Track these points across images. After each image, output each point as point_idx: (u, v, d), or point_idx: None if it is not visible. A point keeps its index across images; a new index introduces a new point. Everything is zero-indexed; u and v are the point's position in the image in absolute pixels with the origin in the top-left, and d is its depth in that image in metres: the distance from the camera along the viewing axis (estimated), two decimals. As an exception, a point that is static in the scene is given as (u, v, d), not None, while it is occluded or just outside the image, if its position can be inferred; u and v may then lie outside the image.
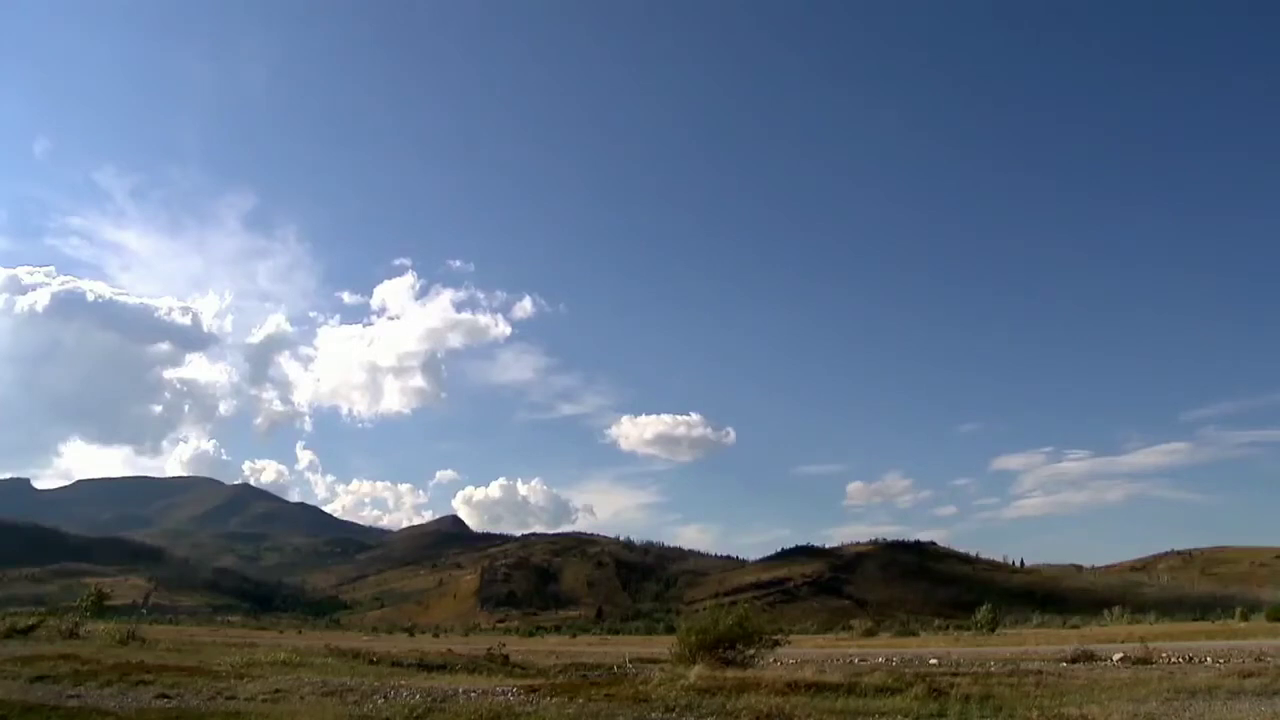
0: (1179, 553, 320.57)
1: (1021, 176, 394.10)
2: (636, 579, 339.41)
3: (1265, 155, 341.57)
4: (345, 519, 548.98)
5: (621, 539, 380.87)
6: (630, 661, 40.15)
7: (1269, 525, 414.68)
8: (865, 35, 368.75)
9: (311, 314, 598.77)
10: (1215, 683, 21.89)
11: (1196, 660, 30.71)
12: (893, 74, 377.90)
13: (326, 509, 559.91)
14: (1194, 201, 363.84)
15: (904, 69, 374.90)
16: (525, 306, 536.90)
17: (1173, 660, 31.29)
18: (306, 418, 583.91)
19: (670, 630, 61.32)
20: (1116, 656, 33.09)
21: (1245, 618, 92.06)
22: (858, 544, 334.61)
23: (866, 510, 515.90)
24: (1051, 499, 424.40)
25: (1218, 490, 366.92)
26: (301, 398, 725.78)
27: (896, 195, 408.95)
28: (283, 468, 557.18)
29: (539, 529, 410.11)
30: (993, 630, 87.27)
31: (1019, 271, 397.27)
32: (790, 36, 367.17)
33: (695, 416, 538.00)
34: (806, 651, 49.07)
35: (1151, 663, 30.43)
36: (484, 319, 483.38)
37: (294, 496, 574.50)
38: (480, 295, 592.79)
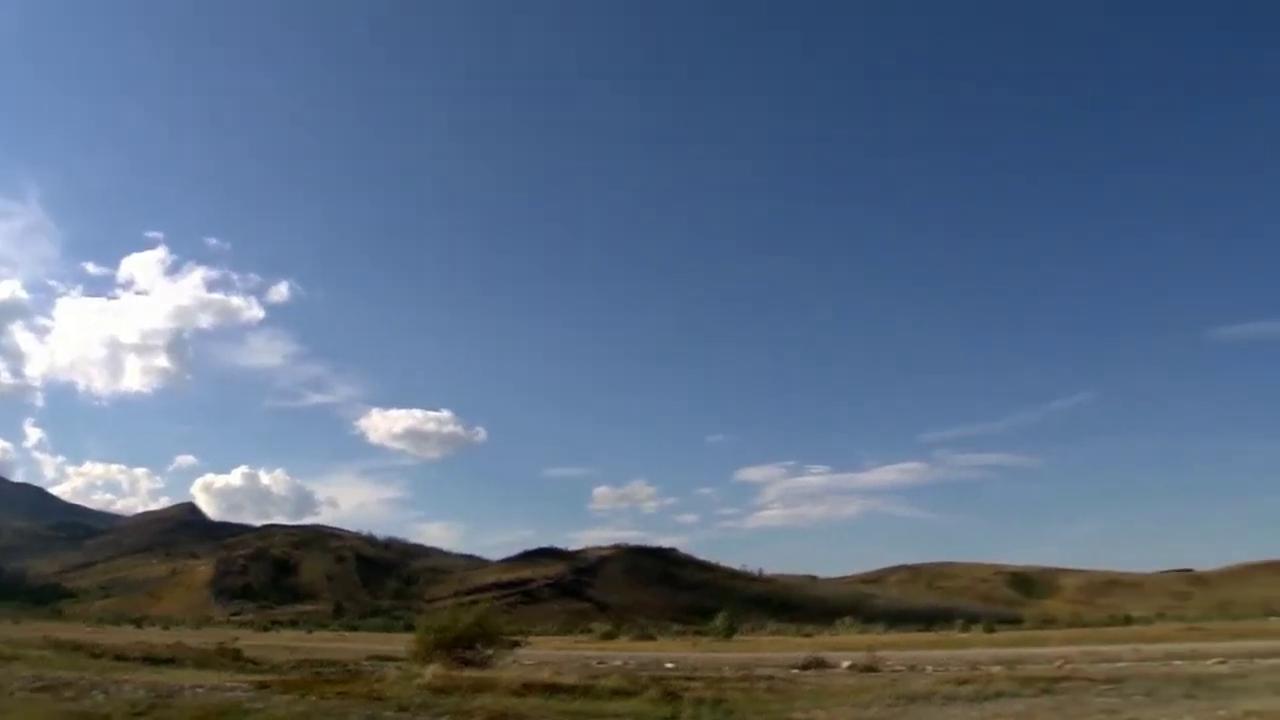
0: (908, 567, 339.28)
1: (786, 181, 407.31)
2: (378, 575, 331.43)
3: (1017, 173, 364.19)
4: (74, 502, 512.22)
5: (364, 534, 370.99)
6: (367, 659, 39.03)
7: (991, 543, 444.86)
8: (631, 35, 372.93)
9: (51, 283, 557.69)
10: (933, 689, 22.85)
11: (918, 668, 32.16)
12: (658, 75, 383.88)
13: (53, 491, 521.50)
14: (919, 238, 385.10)
15: (669, 71, 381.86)
16: (281, 291, 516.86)
17: (897, 668, 32.65)
18: (38, 393, 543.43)
19: (410, 628, 59.97)
20: (845, 664, 34.34)
21: (965, 629, 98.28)
22: (601, 548, 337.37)
23: (612, 515, 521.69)
24: (791, 511, 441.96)
25: (946, 509, 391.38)
26: (34, 371, 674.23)
27: (656, 200, 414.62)
28: (7, 445, 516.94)
29: (280, 520, 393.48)
30: (730, 636, 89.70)
31: (777, 286, 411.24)
32: (556, 35, 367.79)
33: (446, 413, 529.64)
34: (545, 653, 48.90)
35: (877, 670, 31.67)
36: (237, 300, 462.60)
37: (17, 476, 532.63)
38: (235, 276, 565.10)
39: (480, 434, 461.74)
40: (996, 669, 29.51)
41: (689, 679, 27.65)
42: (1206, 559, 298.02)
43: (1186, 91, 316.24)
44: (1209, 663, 28.91)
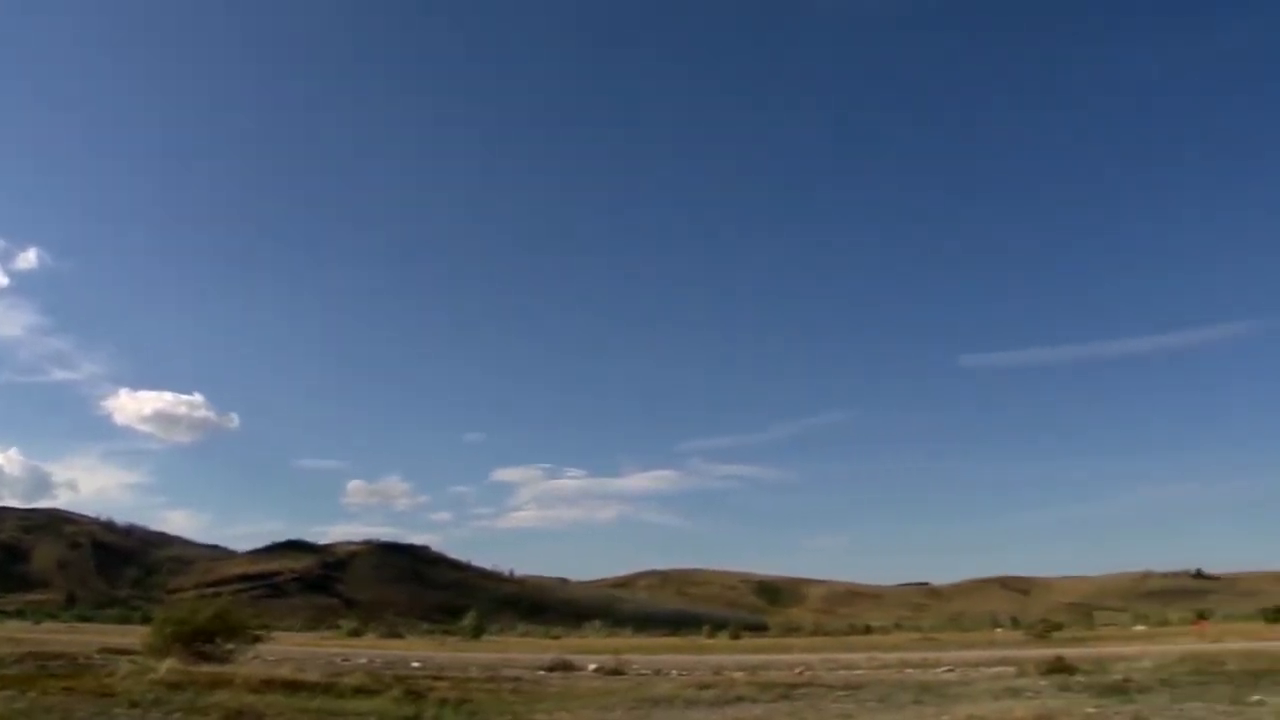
0: (658, 572, 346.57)
1: (558, 179, 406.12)
2: (116, 563, 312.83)
3: (797, 187, 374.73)
4: None
5: (103, 519, 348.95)
6: (99, 652, 36.35)
7: (740, 552, 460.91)
8: (409, 20, 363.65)
9: None
10: (676, 693, 22.98)
11: (663, 672, 32.37)
12: (437, 66, 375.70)
13: None
14: (691, 245, 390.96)
15: (448, 62, 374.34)
16: (29, 258, 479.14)
17: (642, 672, 32.79)
18: None
19: (148, 620, 56.49)
20: (591, 666, 34.28)
21: (711, 635, 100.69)
22: (352, 543, 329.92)
23: (364, 510, 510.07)
24: (546, 513, 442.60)
25: (699, 517, 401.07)
26: None
27: (428, 192, 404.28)
28: None
29: (12, 503, 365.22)
30: (478, 636, 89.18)
31: (542, 286, 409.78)
32: (327, 18, 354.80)
33: (198, 397, 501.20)
34: (289, 649, 47.08)
35: (623, 673, 31.73)
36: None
37: None
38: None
39: (233, 420, 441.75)
40: (739, 674, 30.06)
41: (435, 679, 27.04)
42: (942, 574, 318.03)
43: (949, 125, 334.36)
44: (938, 670, 30.33)
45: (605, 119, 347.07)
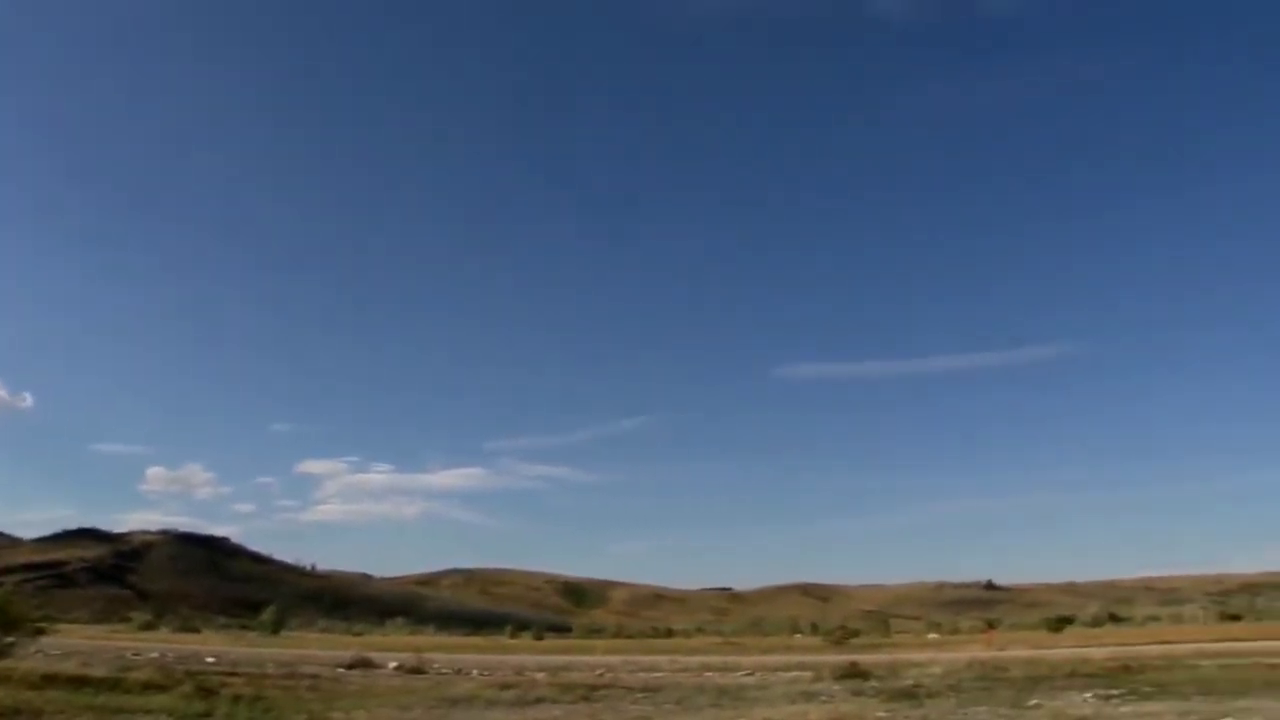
0: (463, 571, 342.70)
1: (374, 167, 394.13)
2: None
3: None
4: None
5: None
6: None
7: (546, 553, 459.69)
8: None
9: None
10: (476, 693, 22.75)
11: (464, 672, 32.02)
12: (262, 48, 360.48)
13: None
14: (509, 244, 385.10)
15: (274, 47, 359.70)
16: None
17: (443, 671, 32.36)
18: None
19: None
20: (392, 665, 33.64)
21: (515, 635, 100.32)
22: (148, 532, 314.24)
23: (164, 498, 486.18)
24: (352, 507, 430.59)
25: (506, 516, 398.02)
26: None
27: (244, 171, 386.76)
28: None
29: None
30: (277, 631, 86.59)
31: (352, 278, 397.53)
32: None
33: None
34: (77, 643, 44.41)
35: (424, 672, 31.27)
36: None
37: None
38: None
39: (26, 400, 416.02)
40: (540, 675, 29.99)
41: (229, 675, 26.05)
42: (745, 579, 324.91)
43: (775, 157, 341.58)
44: (738, 674, 30.92)
45: (408, 111, 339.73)
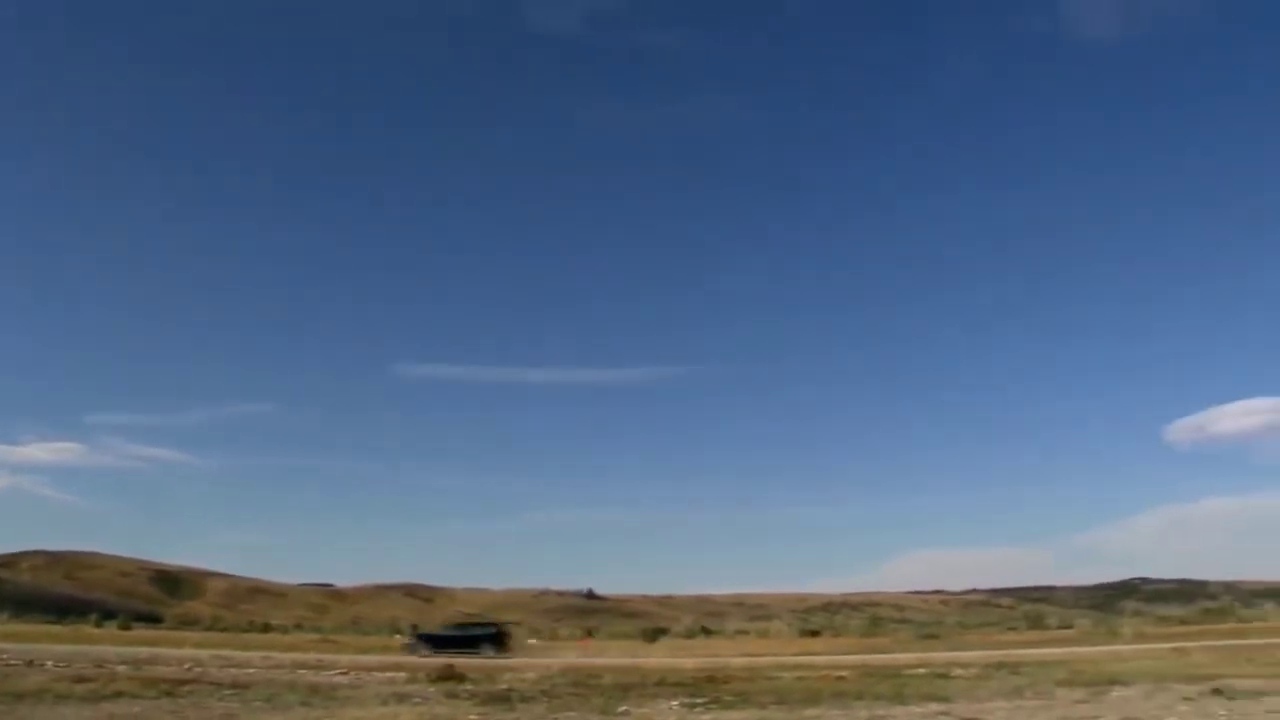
0: (46, 552, 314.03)
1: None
2: None
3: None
4: None
5: None
6: None
7: (140, 537, 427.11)
8: None
9: None
10: (47, 686, 21.40)
11: (38, 663, 29.77)
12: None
13: None
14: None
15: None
16: None
17: (12, 662, 29.96)
18: None
19: None
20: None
21: (99, 624, 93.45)
22: None
23: None
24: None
25: (100, 497, 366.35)
26: None
27: None
28: None
29: None
30: None
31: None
32: None
33: None
34: None
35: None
36: None
37: None
38: None
39: None
40: (122, 668, 28.44)
41: None
42: (346, 576, 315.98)
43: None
44: (332, 673, 30.54)
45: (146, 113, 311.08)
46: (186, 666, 31.02)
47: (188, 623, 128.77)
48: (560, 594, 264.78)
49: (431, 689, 24.98)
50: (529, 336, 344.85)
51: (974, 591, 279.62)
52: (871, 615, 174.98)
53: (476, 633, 56.86)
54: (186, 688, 22.96)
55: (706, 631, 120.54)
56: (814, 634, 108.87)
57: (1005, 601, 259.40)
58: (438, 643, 52.85)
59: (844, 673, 31.97)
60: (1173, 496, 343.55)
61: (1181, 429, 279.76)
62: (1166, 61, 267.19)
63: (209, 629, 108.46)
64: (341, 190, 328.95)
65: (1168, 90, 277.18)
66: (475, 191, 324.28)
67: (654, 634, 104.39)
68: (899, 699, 23.00)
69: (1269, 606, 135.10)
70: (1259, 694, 22.39)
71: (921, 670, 32.51)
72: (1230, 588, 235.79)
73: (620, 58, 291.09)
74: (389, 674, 30.30)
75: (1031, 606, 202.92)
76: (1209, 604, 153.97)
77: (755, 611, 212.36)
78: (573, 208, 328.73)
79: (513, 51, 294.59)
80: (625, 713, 20.64)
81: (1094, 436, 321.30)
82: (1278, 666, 31.69)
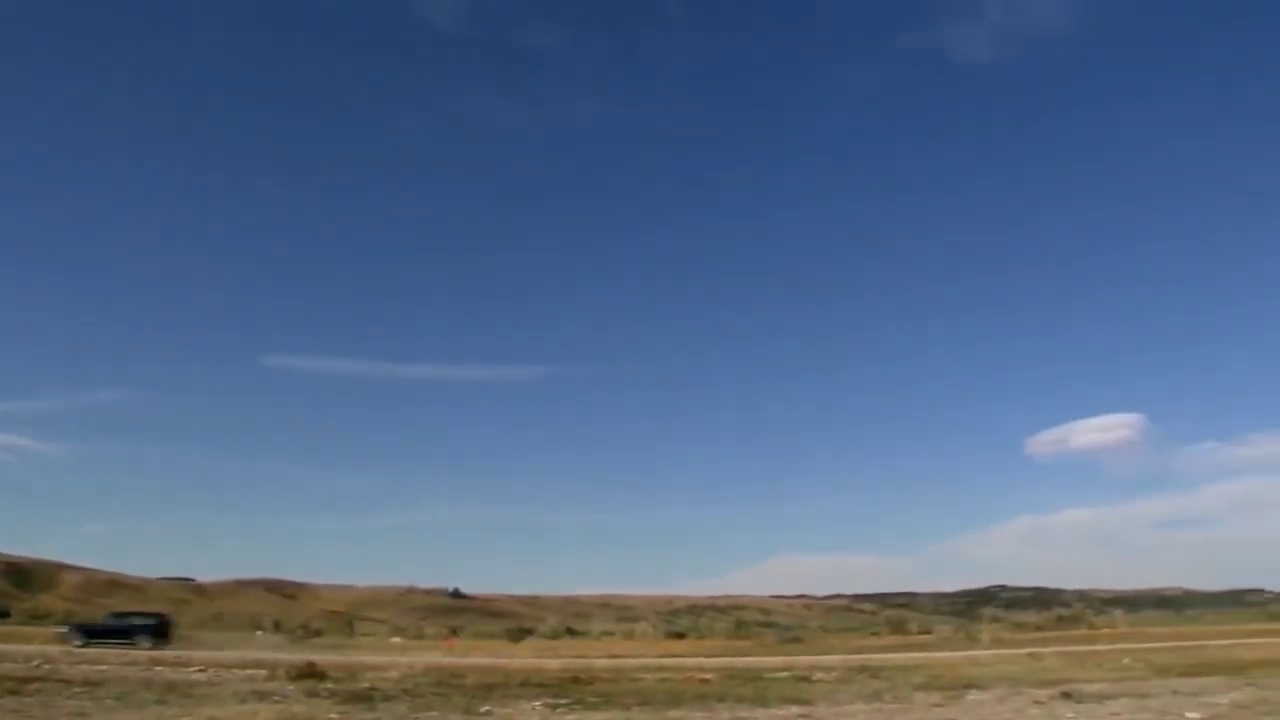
0: None
1: None
2: None
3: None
4: None
5: None
6: None
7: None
8: None
9: None
10: None
11: None
12: None
13: None
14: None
15: None
16: None
17: None
18: None
19: None
20: None
21: None
22: None
23: None
24: None
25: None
26: None
27: None
28: None
29: None
30: None
31: None
32: None
33: None
34: None
35: None
36: None
37: None
38: None
39: None
40: (-37, 666, 27.39)
41: None
42: (208, 570, 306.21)
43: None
44: (189, 670, 29.84)
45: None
46: (35, 663, 30.01)
47: (39, 617, 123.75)
48: (426, 592, 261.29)
49: (291, 687, 24.64)
50: (398, 332, 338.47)
51: (838, 597, 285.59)
52: (737, 618, 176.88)
53: (136, 623, 54.86)
54: (34, 685, 22.28)
55: (572, 632, 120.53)
56: (680, 636, 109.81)
57: (868, 607, 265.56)
58: (93, 633, 51.95)
59: (708, 675, 32.44)
60: (1033, 507, 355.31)
61: (1042, 442, 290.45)
62: (1034, 84, 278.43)
63: (61, 624, 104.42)
64: (208, 175, 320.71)
65: (1035, 110, 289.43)
66: (347, 183, 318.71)
67: (519, 634, 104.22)
68: (761, 701, 23.47)
69: (1118, 614, 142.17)
70: (1104, 697, 23.44)
71: (784, 673, 33.17)
72: (1084, 595, 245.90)
73: (502, 54, 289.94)
74: (249, 671, 29.75)
75: (894, 612, 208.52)
76: (1063, 611, 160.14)
77: (622, 613, 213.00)
78: (444, 202, 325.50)
79: (395, 42, 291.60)
80: (488, 713, 20.67)
81: (959, 447, 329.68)
82: (1123, 670, 33.35)
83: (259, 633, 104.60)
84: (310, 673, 27.46)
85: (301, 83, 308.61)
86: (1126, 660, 39.31)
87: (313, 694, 23.14)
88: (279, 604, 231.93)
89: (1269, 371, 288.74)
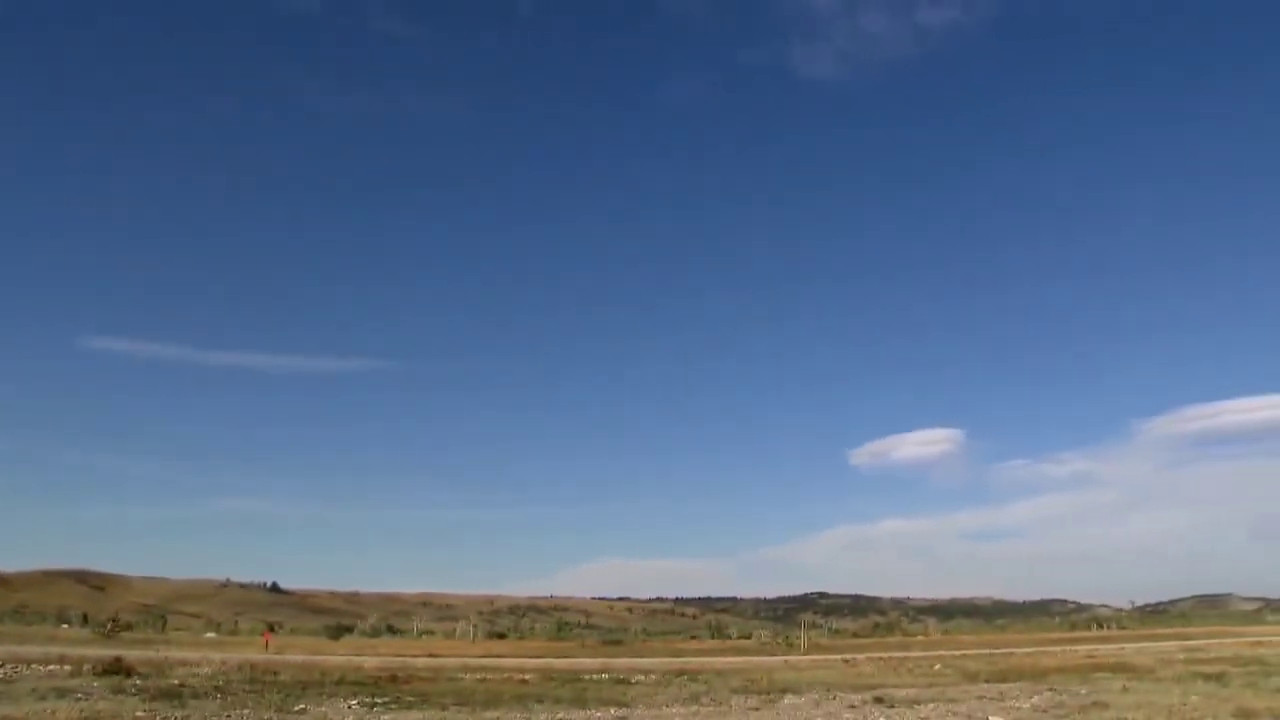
0: None
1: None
2: None
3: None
4: None
5: None
6: None
7: None
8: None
9: None
10: None
11: None
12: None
13: None
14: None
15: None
16: None
17: None
18: None
19: None
20: None
21: None
22: None
23: None
24: None
25: None
26: None
27: None
28: None
29: None
30: None
31: None
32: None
33: None
34: None
35: None
36: None
37: None
38: None
39: None
40: None
41: None
42: (11, 561, 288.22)
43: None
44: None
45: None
46: None
47: None
48: (243, 587, 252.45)
49: (96, 683, 23.67)
50: (221, 320, 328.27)
51: (660, 600, 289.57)
52: (559, 620, 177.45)
53: None
54: None
55: (392, 630, 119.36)
56: (501, 636, 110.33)
57: (689, 611, 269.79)
58: None
59: (528, 676, 32.64)
60: (854, 516, 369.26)
61: (865, 453, 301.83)
62: (872, 100, 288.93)
63: None
64: (34, 158, 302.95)
65: (872, 123, 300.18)
66: (184, 168, 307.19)
67: (339, 631, 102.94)
68: (580, 703, 23.67)
69: (931, 622, 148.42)
70: (914, 702, 24.47)
71: (604, 676, 33.52)
72: (899, 604, 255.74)
73: (354, 41, 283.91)
74: (51, 667, 28.37)
75: (714, 616, 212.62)
76: (879, 619, 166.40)
77: (443, 612, 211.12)
78: (282, 189, 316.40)
79: (248, 25, 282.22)
80: (302, 711, 20.30)
81: (784, 455, 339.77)
82: (934, 676, 34.85)
83: (65, 626, 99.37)
84: (117, 669, 26.44)
85: (135, 65, 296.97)
86: (938, 667, 41.12)
87: (118, 691, 22.26)
88: (88, 596, 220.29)
89: (1078, 393, 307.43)
